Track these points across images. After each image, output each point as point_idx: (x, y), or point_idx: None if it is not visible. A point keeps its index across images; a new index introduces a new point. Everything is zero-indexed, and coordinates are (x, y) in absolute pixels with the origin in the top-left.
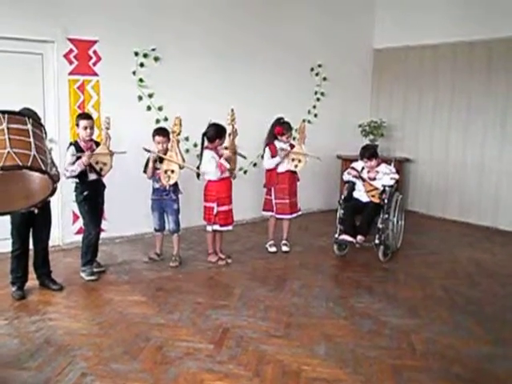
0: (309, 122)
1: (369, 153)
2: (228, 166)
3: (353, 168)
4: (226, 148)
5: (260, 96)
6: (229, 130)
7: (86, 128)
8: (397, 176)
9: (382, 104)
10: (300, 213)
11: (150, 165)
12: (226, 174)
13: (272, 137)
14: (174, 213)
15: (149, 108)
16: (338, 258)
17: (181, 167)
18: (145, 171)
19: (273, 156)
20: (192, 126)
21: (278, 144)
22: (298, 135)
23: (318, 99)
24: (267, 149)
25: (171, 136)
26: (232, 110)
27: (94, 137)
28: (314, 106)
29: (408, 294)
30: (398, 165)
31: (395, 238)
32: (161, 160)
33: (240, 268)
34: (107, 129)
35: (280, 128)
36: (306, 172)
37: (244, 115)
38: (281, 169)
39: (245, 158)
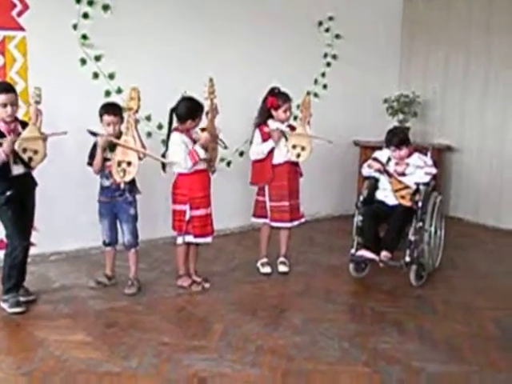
0: (315, 95)
1: (397, 138)
2: (204, 155)
3: (375, 159)
4: (202, 130)
5: (249, 61)
6: (206, 106)
7: (5, 105)
8: (434, 170)
9: (415, 72)
10: (303, 220)
11: (98, 154)
12: (202, 166)
13: (264, 115)
14: (131, 220)
15: (95, 75)
16: (356, 282)
17: (140, 157)
18: (90, 163)
19: (264, 140)
20: (156, 100)
21: (272, 124)
22: (301, 113)
23: (329, 64)
24: (257, 131)
25: (126, 114)
26: (211, 81)
27: (20, 115)
28: (323, 74)
29: (449, 331)
30: (436, 155)
31: (432, 255)
32: (112, 147)
33: (222, 295)
34: (37, 103)
35: (274, 99)
36: (311, 164)
37: (227, 87)
38: (277, 159)
39: (225, 147)
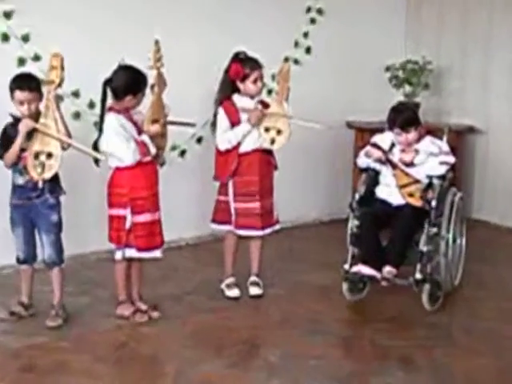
0: (296, 62)
1: (404, 118)
2: (154, 150)
3: (375, 145)
4: (153, 122)
5: (207, 19)
6: (151, 77)
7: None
8: (452, 159)
9: (425, 32)
10: (278, 227)
11: (17, 144)
12: (147, 158)
13: (227, 88)
14: (52, 229)
15: (5, 37)
16: (351, 307)
17: (64, 147)
18: (1, 155)
19: (233, 124)
20: (85, 70)
21: (238, 100)
22: (277, 86)
23: (313, 21)
24: (221, 111)
25: (45, 90)
26: (157, 44)
27: None
28: (306, 34)
29: (472, 367)
30: (454, 139)
31: (451, 270)
32: (28, 135)
33: (175, 327)
34: None
35: (238, 66)
36: (290, 152)
37: (179, 53)
38: (245, 146)
39: (191, 125)
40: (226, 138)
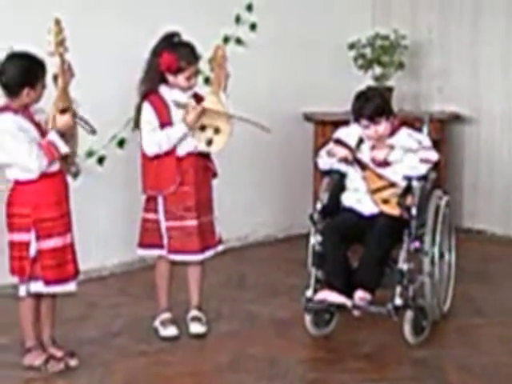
0: (238, 41)
1: (372, 106)
2: (66, 149)
3: (339, 142)
4: (62, 112)
5: None
6: (54, 65)
7: None
8: (435, 155)
9: None
10: (222, 248)
11: None
12: (54, 167)
13: (154, 78)
14: None
15: None
16: (316, 344)
17: None
18: None
19: (163, 122)
20: None
21: (168, 94)
22: (213, 74)
23: None
24: (146, 105)
25: None
26: (57, 24)
27: None
28: (249, 7)
29: None
30: (437, 129)
31: (438, 293)
32: None
33: (99, 378)
34: None
35: (172, 58)
36: (233, 155)
37: (90, 34)
38: (178, 150)
39: (92, 131)
40: (155, 140)
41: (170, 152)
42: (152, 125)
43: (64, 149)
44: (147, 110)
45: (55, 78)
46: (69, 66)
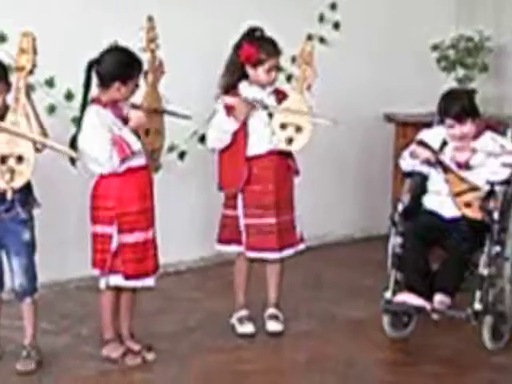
0: (321, 40)
1: (458, 107)
2: (138, 145)
3: (422, 143)
4: (133, 107)
5: None
6: (146, 62)
7: None
8: None
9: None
10: (302, 246)
11: None
12: (139, 161)
13: (234, 73)
14: (24, 250)
15: None
16: (394, 346)
17: (38, 148)
18: None
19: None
20: (63, 53)
21: (246, 91)
22: (300, 70)
23: None
24: (221, 102)
25: (15, 78)
26: (150, 20)
27: None
28: (333, 6)
29: None
30: None
31: None
32: None
33: (175, 372)
34: None
35: (252, 48)
36: (314, 154)
37: (179, 32)
38: (256, 147)
39: (187, 117)
40: (213, 135)
41: (239, 148)
42: (218, 119)
43: (136, 145)
44: (219, 105)
45: (145, 74)
46: (160, 63)
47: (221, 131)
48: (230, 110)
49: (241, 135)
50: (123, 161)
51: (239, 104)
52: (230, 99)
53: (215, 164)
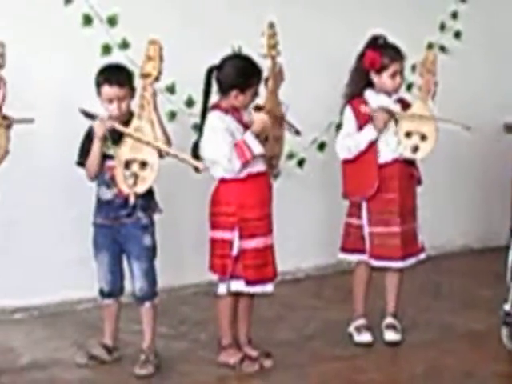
0: (442, 49)
1: None
2: (260, 149)
3: None
4: (256, 109)
5: None
6: (266, 69)
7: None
8: None
9: None
10: (424, 256)
11: (96, 149)
12: (260, 167)
13: (359, 81)
14: (145, 255)
15: (87, 20)
16: None
17: (162, 155)
18: (82, 163)
19: (361, 126)
20: (184, 60)
21: (372, 98)
22: (421, 80)
23: None
24: (348, 110)
25: (141, 85)
26: (271, 26)
27: None
28: (454, 15)
29: None
30: None
31: None
32: (117, 139)
33: (292, 380)
34: None
35: (375, 54)
36: (434, 163)
37: (300, 38)
38: (384, 156)
39: (296, 131)
40: (346, 144)
41: (371, 156)
42: (348, 129)
43: (258, 149)
44: (347, 114)
45: (266, 80)
46: (280, 70)
47: (356, 140)
48: (367, 119)
49: (372, 144)
50: (244, 165)
51: (379, 113)
52: (368, 108)
53: (337, 172)
